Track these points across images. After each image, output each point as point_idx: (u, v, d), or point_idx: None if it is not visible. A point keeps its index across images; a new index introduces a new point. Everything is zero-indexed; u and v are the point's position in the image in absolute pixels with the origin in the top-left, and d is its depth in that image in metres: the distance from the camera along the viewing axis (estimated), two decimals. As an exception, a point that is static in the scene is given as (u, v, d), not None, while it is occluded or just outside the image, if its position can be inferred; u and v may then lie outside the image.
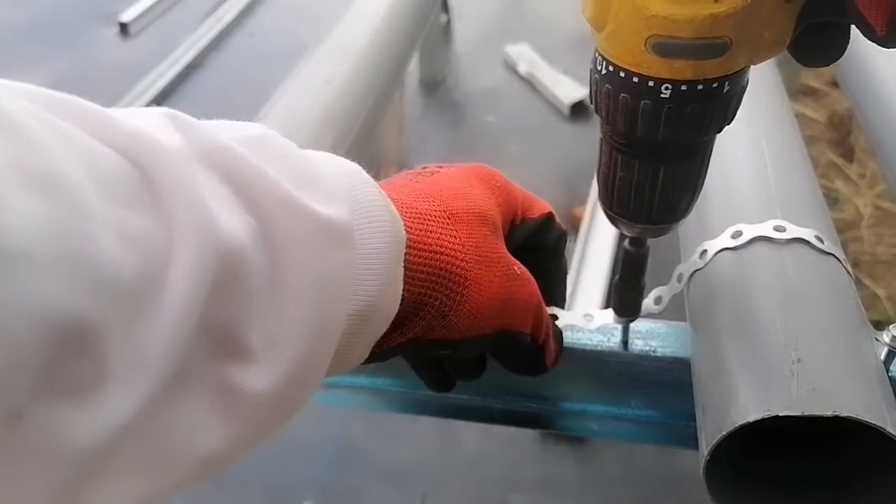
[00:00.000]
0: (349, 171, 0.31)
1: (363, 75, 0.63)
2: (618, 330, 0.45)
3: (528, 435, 1.42)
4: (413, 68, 2.37)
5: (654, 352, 0.44)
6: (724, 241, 0.41)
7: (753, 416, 0.32)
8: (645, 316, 0.43)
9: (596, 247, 1.76)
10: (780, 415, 0.32)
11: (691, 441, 0.37)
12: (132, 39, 2.68)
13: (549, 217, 0.42)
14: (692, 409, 0.38)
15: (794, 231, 0.41)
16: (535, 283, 0.38)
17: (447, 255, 0.33)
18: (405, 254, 0.31)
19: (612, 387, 0.46)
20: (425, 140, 2.15)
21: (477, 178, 0.38)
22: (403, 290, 0.31)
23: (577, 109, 2.24)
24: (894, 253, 1.74)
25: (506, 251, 0.36)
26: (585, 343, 0.45)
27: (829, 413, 0.32)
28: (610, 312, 0.43)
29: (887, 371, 0.37)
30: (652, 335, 0.45)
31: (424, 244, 0.32)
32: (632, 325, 0.44)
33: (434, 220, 0.33)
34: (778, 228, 0.41)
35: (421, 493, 1.38)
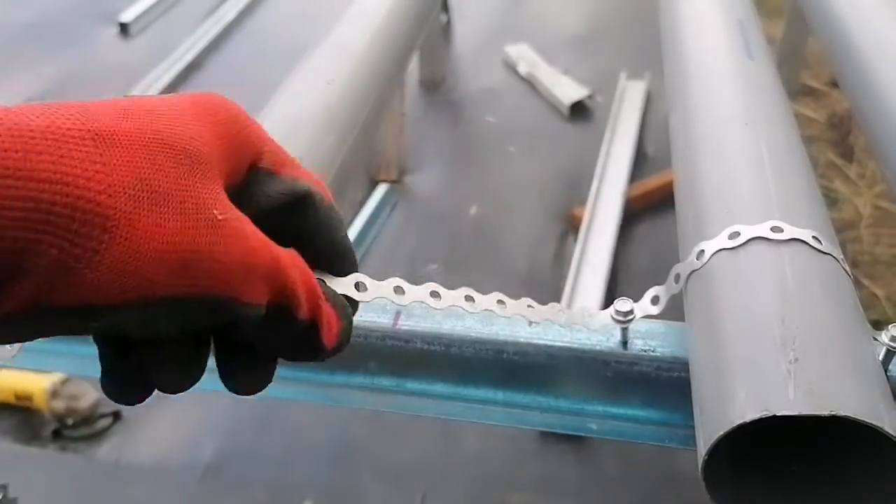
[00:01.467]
0: None
1: (364, 75, 0.63)
2: (617, 330, 0.45)
3: (527, 435, 1.42)
4: (413, 68, 2.37)
5: (653, 352, 0.44)
6: (722, 241, 0.41)
7: (751, 416, 0.33)
8: (644, 316, 0.43)
9: (596, 247, 1.76)
10: (778, 415, 0.32)
11: (690, 440, 0.37)
12: (132, 39, 2.69)
13: (308, 193, 0.33)
14: (691, 408, 0.38)
15: (791, 231, 0.41)
16: (265, 240, 0.30)
17: (69, 184, 0.24)
18: None
19: (612, 386, 0.46)
20: (425, 140, 2.15)
21: (193, 104, 0.30)
22: None
23: (577, 109, 2.24)
24: (893, 253, 1.74)
25: (211, 195, 0.28)
26: (585, 343, 0.45)
27: (826, 413, 0.32)
28: (607, 314, 0.43)
29: (885, 371, 0.37)
30: (651, 335, 0.45)
31: (25, 170, 0.24)
32: (631, 325, 0.44)
33: (60, 141, 0.25)
34: (775, 229, 0.41)
35: (421, 493, 1.38)
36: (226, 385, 0.33)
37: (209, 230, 0.27)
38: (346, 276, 0.37)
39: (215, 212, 0.28)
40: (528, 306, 0.41)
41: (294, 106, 0.57)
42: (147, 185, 0.26)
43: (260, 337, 0.31)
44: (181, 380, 0.32)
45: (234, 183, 0.31)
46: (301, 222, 0.34)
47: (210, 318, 0.28)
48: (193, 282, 0.27)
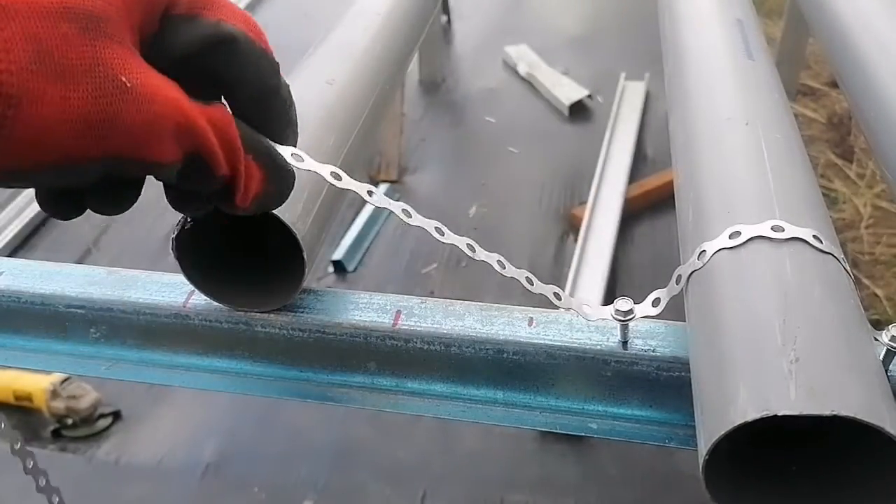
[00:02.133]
0: None
1: (364, 76, 0.63)
2: (617, 330, 0.45)
3: (527, 434, 1.43)
4: (413, 68, 2.37)
5: (653, 351, 0.44)
6: (723, 241, 0.41)
7: (752, 416, 0.32)
8: (644, 316, 0.43)
9: (596, 247, 1.76)
10: (779, 414, 0.32)
11: (690, 440, 0.37)
12: (132, 39, 2.69)
13: (231, 36, 0.32)
14: (691, 408, 0.38)
15: (792, 231, 0.41)
16: (176, 98, 0.30)
17: None
18: None
19: (612, 386, 0.46)
20: (425, 140, 2.15)
21: None
22: None
23: (577, 109, 2.25)
24: (893, 253, 1.74)
25: (118, 59, 0.28)
26: (585, 343, 0.45)
27: (827, 413, 0.32)
28: (608, 309, 0.43)
29: (886, 371, 0.37)
30: (651, 335, 0.45)
31: None
32: (631, 324, 0.44)
33: None
34: (776, 228, 0.41)
35: (421, 493, 1.38)
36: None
37: (116, 97, 0.28)
38: (282, 134, 0.36)
39: (123, 78, 0.28)
40: (527, 278, 0.42)
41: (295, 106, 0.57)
42: (51, 56, 0.26)
43: (178, 184, 0.32)
44: (115, 206, 0.33)
45: (149, 31, 0.31)
46: (224, 69, 0.33)
47: (121, 174, 0.29)
48: (100, 144, 0.28)
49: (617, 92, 2.24)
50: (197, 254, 0.47)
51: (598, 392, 0.46)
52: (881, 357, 0.38)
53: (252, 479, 1.40)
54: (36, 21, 0.26)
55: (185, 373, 0.53)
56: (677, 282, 0.43)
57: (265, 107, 0.35)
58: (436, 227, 0.41)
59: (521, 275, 0.43)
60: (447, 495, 1.39)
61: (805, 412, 0.32)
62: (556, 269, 1.75)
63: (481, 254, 0.42)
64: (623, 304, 0.43)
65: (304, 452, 1.45)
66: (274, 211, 0.40)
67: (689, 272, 0.42)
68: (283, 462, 1.44)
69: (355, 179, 0.40)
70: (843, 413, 0.32)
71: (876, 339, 0.38)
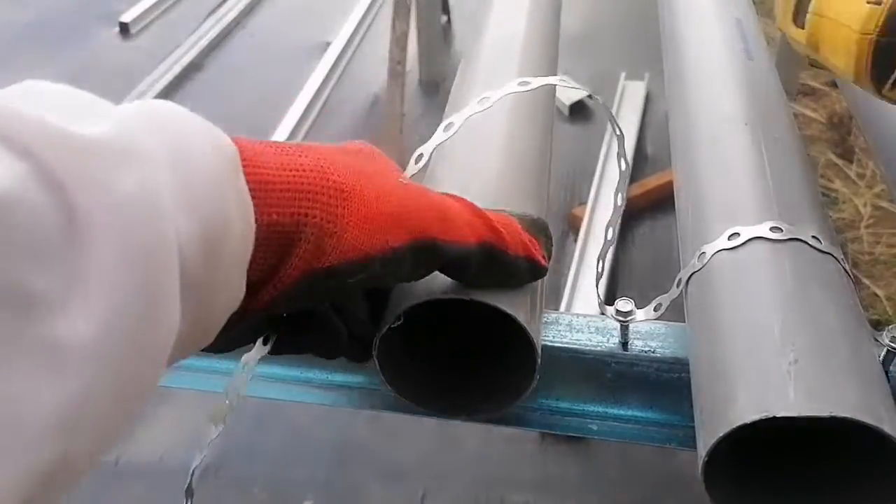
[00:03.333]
0: (148, 105, 0.29)
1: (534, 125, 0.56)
2: (617, 330, 0.45)
3: (527, 435, 1.42)
4: (413, 68, 2.37)
5: (653, 352, 0.44)
6: (722, 242, 0.41)
7: (750, 418, 0.33)
8: (645, 320, 0.43)
9: (596, 247, 1.76)
10: (778, 416, 0.32)
11: (691, 441, 0.37)
12: (132, 39, 2.69)
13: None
14: (692, 409, 0.38)
15: (791, 231, 0.41)
16: (449, 197, 0.36)
17: (314, 170, 0.31)
18: (248, 169, 0.30)
19: (612, 387, 0.46)
20: (425, 140, 2.15)
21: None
22: (262, 209, 0.30)
23: (577, 109, 2.25)
24: (893, 253, 1.74)
25: (392, 173, 0.35)
26: (585, 343, 0.45)
27: (825, 414, 0.32)
28: (609, 313, 0.43)
29: (886, 371, 0.37)
30: (651, 336, 0.45)
31: (282, 164, 0.31)
32: (631, 325, 0.44)
33: (297, 154, 0.32)
34: (774, 229, 0.41)
35: (421, 493, 1.38)
36: None
37: (402, 189, 0.34)
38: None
39: (401, 179, 0.35)
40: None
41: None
42: (355, 169, 0.33)
43: (480, 274, 0.37)
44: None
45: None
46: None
47: (430, 257, 0.35)
48: (411, 230, 0.33)
49: (617, 92, 2.24)
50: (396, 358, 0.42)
51: (598, 393, 0.46)
52: (881, 358, 0.38)
53: (252, 479, 1.40)
54: (338, 153, 0.34)
55: (185, 373, 0.53)
56: (678, 285, 0.43)
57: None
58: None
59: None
60: (447, 495, 1.39)
61: (803, 413, 0.32)
62: (556, 269, 1.75)
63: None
64: (623, 305, 0.43)
65: (304, 452, 1.45)
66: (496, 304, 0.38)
67: (689, 273, 0.42)
68: (283, 462, 1.44)
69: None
70: (842, 414, 0.32)
71: (876, 340, 0.38)
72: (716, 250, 0.41)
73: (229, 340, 0.33)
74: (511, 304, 0.38)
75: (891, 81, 0.36)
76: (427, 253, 0.34)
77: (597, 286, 0.46)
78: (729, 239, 0.41)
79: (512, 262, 0.37)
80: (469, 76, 0.60)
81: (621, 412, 0.46)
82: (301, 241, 0.30)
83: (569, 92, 2.31)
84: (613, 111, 2.17)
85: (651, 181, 1.97)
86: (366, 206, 0.32)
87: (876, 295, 1.65)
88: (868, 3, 0.36)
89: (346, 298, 0.37)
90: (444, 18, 2.56)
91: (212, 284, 0.28)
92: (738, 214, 0.43)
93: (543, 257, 0.40)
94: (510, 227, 0.38)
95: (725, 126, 0.50)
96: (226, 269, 0.28)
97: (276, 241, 0.30)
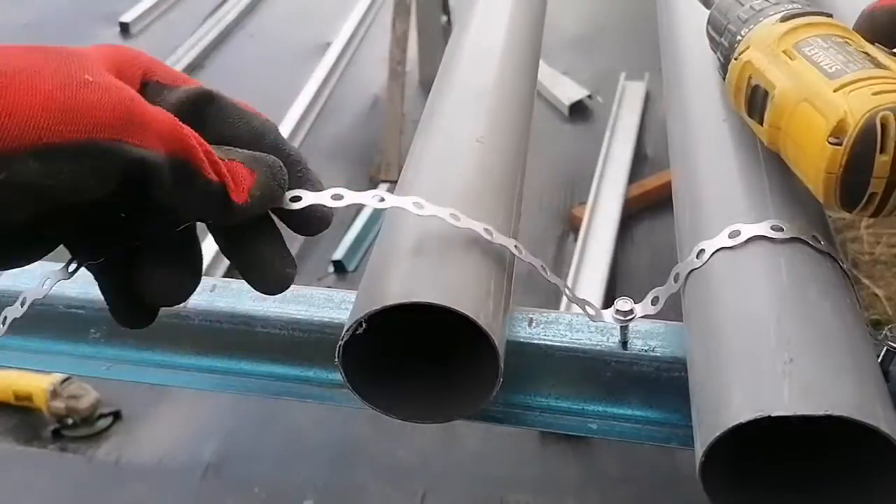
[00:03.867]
0: None
1: (510, 128, 0.55)
2: (617, 330, 0.45)
3: (527, 434, 1.43)
4: (413, 68, 2.37)
5: (653, 352, 0.44)
6: (722, 240, 0.41)
7: (746, 417, 0.33)
8: (644, 316, 0.43)
9: (596, 247, 1.76)
10: (773, 415, 0.32)
11: (690, 440, 0.37)
12: (132, 39, 2.69)
13: (206, 92, 0.35)
14: (691, 408, 0.38)
15: (791, 231, 0.41)
16: (139, 100, 0.32)
17: None
18: None
19: (611, 386, 0.46)
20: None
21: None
22: None
23: (577, 109, 2.25)
24: (893, 253, 1.74)
25: (81, 67, 0.31)
26: (585, 343, 0.45)
27: (820, 413, 0.32)
28: (608, 313, 0.43)
29: (886, 371, 0.37)
30: (651, 335, 0.45)
31: None
32: (631, 325, 0.44)
33: None
34: (775, 228, 0.41)
35: (421, 493, 1.38)
36: (146, 287, 0.35)
37: (81, 88, 0.30)
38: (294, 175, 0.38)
39: (87, 76, 0.30)
40: (542, 266, 0.43)
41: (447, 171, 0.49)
42: (24, 67, 0.29)
43: (172, 199, 0.33)
44: (174, 285, 0.35)
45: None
46: (208, 124, 0.35)
47: (108, 163, 0.30)
48: (76, 128, 0.29)
49: (617, 92, 2.24)
50: (363, 364, 0.41)
51: (598, 392, 0.46)
52: (880, 358, 0.38)
53: (252, 479, 1.41)
54: (4, 48, 0.30)
55: (185, 373, 0.53)
56: (675, 280, 0.43)
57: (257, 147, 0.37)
58: (451, 214, 0.41)
59: (537, 262, 0.43)
60: (447, 495, 1.39)
61: (799, 412, 0.32)
62: (556, 269, 1.75)
63: (498, 238, 0.42)
64: (623, 304, 0.43)
65: (304, 452, 1.45)
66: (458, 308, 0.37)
67: (688, 270, 0.42)
68: (283, 462, 1.44)
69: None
70: (837, 413, 0.32)
71: (875, 340, 0.38)
72: (715, 248, 0.41)
73: None
74: (471, 304, 0.38)
75: (860, 207, 0.37)
76: (104, 155, 0.30)
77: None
78: (729, 237, 0.41)
79: (203, 186, 0.33)
80: (445, 85, 0.59)
81: (621, 411, 0.46)
82: None
83: (569, 92, 2.31)
84: (613, 111, 2.17)
85: (650, 181, 1.97)
86: (10, 98, 0.28)
87: (876, 295, 1.65)
88: (829, 142, 0.36)
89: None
90: (444, 18, 2.55)
91: None
92: (737, 213, 0.43)
93: (248, 193, 0.35)
94: (205, 148, 0.34)
95: (724, 125, 0.50)
96: None
97: None
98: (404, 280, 0.40)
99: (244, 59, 2.59)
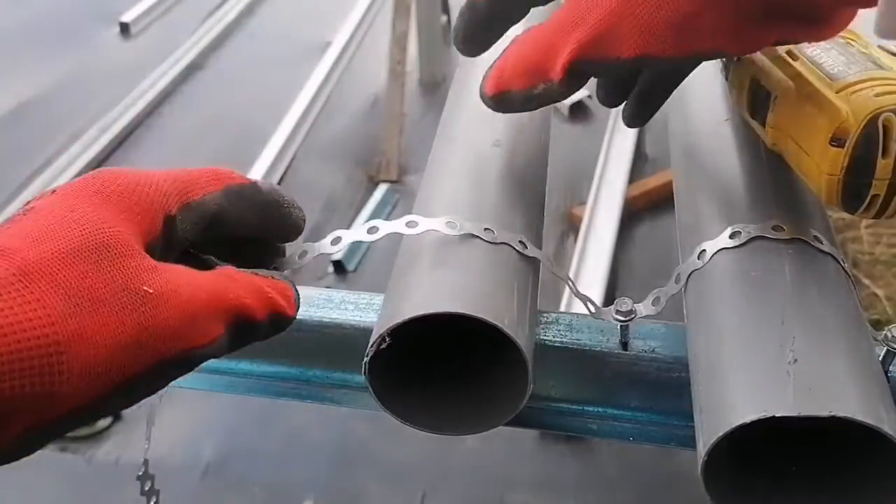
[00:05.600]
0: None
1: (528, 131, 0.53)
2: (617, 330, 0.45)
3: (527, 435, 1.43)
4: (413, 68, 2.37)
5: (653, 352, 0.44)
6: (723, 241, 0.41)
7: (750, 418, 0.33)
8: (644, 316, 0.43)
9: (596, 247, 1.76)
10: (777, 416, 0.32)
11: (690, 441, 0.37)
12: (132, 39, 2.69)
13: (227, 190, 0.37)
14: (691, 409, 0.38)
15: (792, 231, 0.41)
16: (198, 283, 0.33)
17: (17, 330, 0.27)
18: None
19: (612, 387, 0.46)
20: (425, 140, 2.15)
21: (84, 192, 0.33)
22: None
23: (577, 109, 2.25)
24: (893, 253, 1.74)
25: (136, 273, 0.31)
26: (585, 343, 0.45)
27: (824, 414, 0.32)
28: (608, 313, 0.43)
29: (886, 372, 0.37)
30: (651, 335, 0.45)
31: None
32: (631, 325, 0.44)
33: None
34: (776, 228, 0.41)
35: (421, 493, 1.38)
36: None
37: (143, 307, 0.31)
38: (291, 238, 0.41)
39: (145, 288, 0.31)
40: (548, 259, 0.43)
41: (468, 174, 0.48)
42: (78, 295, 0.29)
43: (232, 348, 0.35)
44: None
45: (155, 235, 0.34)
46: (231, 227, 0.38)
47: (181, 372, 0.33)
48: (151, 353, 0.31)
49: (617, 92, 2.24)
50: (389, 377, 0.41)
51: (598, 392, 0.46)
52: (881, 358, 0.38)
53: (252, 479, 1.41)
54: (61, 272, 0.29)
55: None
56: (677, 280, 0.43)
57: (277, 230, 0.41)
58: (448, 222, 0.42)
59: (542, 255, 0.43)
60: (447, 495, 1.39)
61: (803, 413, 0.32)
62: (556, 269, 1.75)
63: (501, 236, 0.42)
64: (623, 304, 0.43)
65: (304, 452, 1.45)
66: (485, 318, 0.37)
67: (689, 271, 0.42)
68: (283, 462, 1.44)
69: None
70: (841, 414, 0.32)
71: (875, 340, 0.38)
72: (717, 248, 0.41)
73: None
74: (496, 313, 0.37)
75: (862, 209, 0.37)
76: (177, 367, 0.33)
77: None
78: (730, 237, 0.41)
79: (265, 330, 0.36)
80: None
81: (621, 412, 0.46)
82: (10, 418, 0.28)
83: (569, 92, 2.30)
84: (613, 111, 2.17)
85: (651, 181, 1.97)
86: (91, 345, 0.29)
87: (876, 295, 1.65)
88: (831, 144, 0.36)
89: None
90: (444, 18, 2.55)
91: None
92: (738, 213, 0.43)
93: (296, 302, 0.38)
94: (259, 295, 0.36)
95: (726, 126, 0.50)
96: None
97: None
98: (425, 291, 0.39)
99: (244, 59, 2.59)
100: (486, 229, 0.41)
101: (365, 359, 0.38)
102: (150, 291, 0.31)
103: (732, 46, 0.37)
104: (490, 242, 0.42)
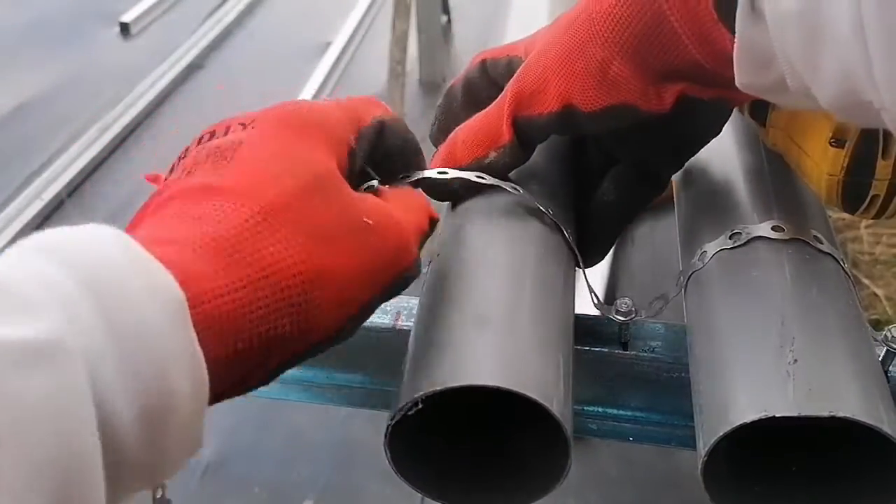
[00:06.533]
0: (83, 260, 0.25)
1: None
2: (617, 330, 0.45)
3: (527, 435, 1.42)
4: (413, 68, 2.37)
5: (653, 352, 0.44)
6: (723, 241, 0.41)
7: (750, 418, 0.33)
8: (644, 317, 0.43)
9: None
10: (777, 416, 0.32)
11: (690, 441, 0.37)
12: (133, 39, 2.69)
13: (381, 122, 0.39)
14: (691, 409, 0.38)
15: (792, 231, 0.41)
16: (398, 214, 0.35)
17: (275, 272, 0.29)
18: (196, 309, 0.27)
19: (612, 387, 0.46)
20: (425, 140, 2.15)
21: (285, 126, 0.34)
22: (220, 343, 0.27)
23: (577, 109, 2.24)
24: (893, 253, 1.74)
25: (354, 206, 0.33)
26: (585, 343, 0.45)
27: (825, 414, 0.32)
28: (611, 310, 0.43)
29: (886, 372, 0.37)
30: (652, 336, 0.45)
31: (236, 281, 0.28)
32: (631, 325, 0.44)
33: (249, 239, 0.29)
34: (776, 228, 0.41)
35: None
36: None
37: (368, 238, 0.33)
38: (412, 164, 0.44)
39: (365, 219, 0.33)
40: None
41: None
42: (317, 233, 0.31)
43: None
44: None
45: (343, 164, 0.36)
46: (382, 151, 0.40)
47: (396, 294, 0.35)
48: (378, 281, 0.33)
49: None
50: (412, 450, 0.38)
51: (598, 393, 0.46)
52: (881, 358, 0.38)
53: (252, 479, 1.41)
54: (296, 210, 0.31)
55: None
56: (677, 283, 0.43)
57: (410, 156, 0.43)
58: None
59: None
60: (447, 495, 1.38)
61: (803, 413, 0.32)
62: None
63: (492, 180, 0.43)
64: (623, 304, 0.43)
65: (304, 452, 1.45)
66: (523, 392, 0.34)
67: (689, 272, 0.42)
68: (283, 462, 1.44)
69: None
70: (841, 414, 0.32)
71: (875, 340, 0.38)
72: (717, 249, 0.41)
73: None
74: (542, 390, 0.34)
75: (862, 209, 0.38)
76: (394, 292, 0.35)
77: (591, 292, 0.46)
78: (730, 238, 0.41)
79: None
80: None
81: (621, 412, 0.46)
82: (271, 354, 0.30)
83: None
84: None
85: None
86: (335, 282, 0.31)
87: (876, 295, 1.65)
88: (831, 144, 0.36)
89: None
90: (444, 18, 2.55)
91: (161, 454, 0.26)
92: (738, 214, 0.43)
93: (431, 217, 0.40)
94: (424, 210, 0.39)
95: (727, 126, 0.50)
96: (176, 436, 0.26)
97: (241, 365, 0.29)
98: (467, 355, 0.35)
99: (244, 59, 2.59)
100: (478, 175, 0.43)
101: (389, 422, 0.35)
102: (370, 223, 0.33)
103: (642, 101, 0.39)
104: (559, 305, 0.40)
